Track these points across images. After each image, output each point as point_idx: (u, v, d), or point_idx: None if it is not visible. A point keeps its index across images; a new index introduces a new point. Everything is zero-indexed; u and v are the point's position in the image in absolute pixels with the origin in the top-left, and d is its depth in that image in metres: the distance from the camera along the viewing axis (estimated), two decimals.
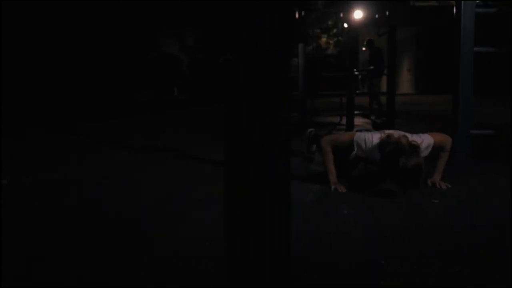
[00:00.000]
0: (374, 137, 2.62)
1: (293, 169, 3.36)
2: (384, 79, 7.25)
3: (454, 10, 3.30)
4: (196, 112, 10.14)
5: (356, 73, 9.56)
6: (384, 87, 8.52)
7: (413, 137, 2.55)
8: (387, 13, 7.04)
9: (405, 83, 23.63)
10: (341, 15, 18.73)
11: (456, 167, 3.24)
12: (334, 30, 19.70)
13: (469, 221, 2.11)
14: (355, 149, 2.68)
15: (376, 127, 5.35)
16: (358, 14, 18.84)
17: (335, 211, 2.29)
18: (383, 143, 2.48)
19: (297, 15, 7.04)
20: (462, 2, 3.22)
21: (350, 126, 6.25)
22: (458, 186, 2.74)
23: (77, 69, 13.23)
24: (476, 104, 3.36)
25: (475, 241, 1.83)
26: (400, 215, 2.20)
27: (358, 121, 6.94)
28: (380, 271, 1.54)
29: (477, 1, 3.49)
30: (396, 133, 2.53)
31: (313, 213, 2.26)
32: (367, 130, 3.22)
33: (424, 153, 2.57)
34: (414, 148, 2.38)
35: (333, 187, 2.65)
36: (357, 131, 3.07)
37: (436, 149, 2.74)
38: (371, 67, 9.59)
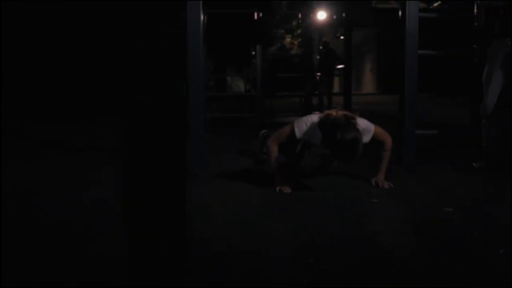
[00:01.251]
0: (314, 117, 2.72)
1: (245, 170, 3.43)
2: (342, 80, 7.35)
3: (400, 14, 3.40)
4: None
5: (318, 74, 9.72)
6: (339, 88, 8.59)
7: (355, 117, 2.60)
8: (343, 14, 7.17)
9: (368, 83, 24.07)
10: (300, 16, 18.87)
11: (402, 167, 3.35)
12: (298, 31, 19.85)
13: (402, 223, 2.18)
14: (297, 134, 2.73)
15: None
16: (321, 15, 19.07)
17: (274, 213, 2.31)
18: (322, 120, 2.55)
19: (256, 16, 7.07)
20: (407, 6, 3.32)
21: None
22: (400, 186, 2.82)
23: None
24: (441, 105, 3.46)
25: (405, 242, 1.90)
26: (337, 215, 2.24)
27: None
28: (308, 271, 1.57)
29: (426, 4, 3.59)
30: (335, 111, 2.58)
31: (251, 215, 2.27)
32: None
33: (364, 138, 2.63)
34: (350, 120, 2.45)
35: (277, 188, 2.69)
36: None
37: (377, 143, 2.82)
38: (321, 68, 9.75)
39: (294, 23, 19.74)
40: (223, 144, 4.90)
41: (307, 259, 1.66)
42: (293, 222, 2.14)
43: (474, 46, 3.62)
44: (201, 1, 3.24)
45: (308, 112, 6.65)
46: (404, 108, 3.37)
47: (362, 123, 2.71)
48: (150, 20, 0.90)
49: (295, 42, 19.83)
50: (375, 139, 2.78)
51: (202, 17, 3.28)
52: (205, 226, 2.12)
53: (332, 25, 16.27)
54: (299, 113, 7.21)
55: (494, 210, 2.27)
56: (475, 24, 3.54)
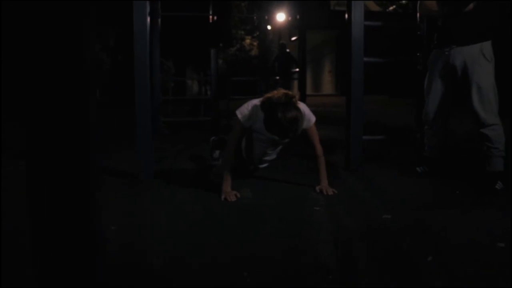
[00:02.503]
0: (255, 101, 2.75)
1: (193, 177, 3.40)
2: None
3: (346, 16, 3.45)
4: (113, 114, 9.87)
5: (277, 78, 9.75)
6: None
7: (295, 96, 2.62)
8: (297, 16, 7.20)
9: (327, 84, 24.42)
10: (255, 17, 18.92)
11: (349, 171, 3.40)
12: (257, 32, 19.94)
13: (340, 232, 2.20)
14: (240, 118, 2.74)
15: None
16: (281, 17, 19.19)
17: (213, 223, 2.29)
18: (263, 101, 2.58)
19: (211, 19, 7.03)
20: (352, 14, 3.38)
21: None
22: (345, 192, 2.86)
23: None
24: (394, 106, 3.51)
25: (340, 252, 1.93)
26: (278, 224, 2.24)
27: None
28: (239, 285, 1.57)
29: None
30: (276, 92, 2.59)
31: (188, 225, 2.25)
32: None
33: (304, 123, 2.70)
34: (291, 99, 2.48)
35: (223, 196, 2.68)
36: None
37: (310, 143, 2.86)
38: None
39: (255, 24, 19.83)
40: (175, 149, 4.86)
41: (240, 272, 1.65)
42: (229, 233, 2.12)
43: (418, 54, 3.72)
44: (147, 2, 3.18)
45: None
46: (351, 113, 3.42)
47: (305, 108, 2.76)
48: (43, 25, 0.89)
49: (255, 44, 19.93)
50: (309, 136, 2.81)
51: (148, 19, 3.21)
52: (136, 236, 2.09)
53: (289, 28, 16.41)
54: None
55: (429, 216, 2.32)
56: (418, 33, 3.64)
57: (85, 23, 0.95)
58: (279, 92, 2.53)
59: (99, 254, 1.03)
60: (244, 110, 2.75)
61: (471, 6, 2.80)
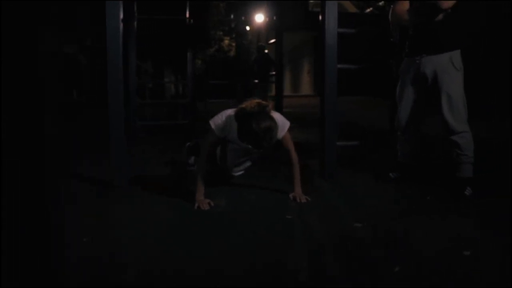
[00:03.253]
0: (228, 111, 2.72)
1: (169, 183, 3.38)
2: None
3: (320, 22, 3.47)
4: (90, 115, 9.77)
5: (256, 81, 9.71)
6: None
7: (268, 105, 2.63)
8: (274, 17, 7.21)
9: (305, 85, 24.55)
10: (232, 16, 18.93)
11: (323, 177, 3.43)
12: (234, 34, 19.94)
13: (311, 242, 2.22)
14: (214, 129, 2.73)
15: None
16: (259, 18, 19.21)
17: (185, 233, 2.29)
18: (237, 112, 2.57)
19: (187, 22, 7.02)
20: (326, 21, 3.40)
21: None
22: (318, 199, 2.88)
23: None
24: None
25: (309, 263, 1.95)
26: (249, 234, 2.25)
27: None
28: None
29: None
30: (249, 102, 2.59)
31: (158, 235, 2.25)
32: None
33: (279, 133, 2.68)
34: (264, 109, 2.49)
35: (196, 205, 2.68)
36: None
37: (285, 151, 2.88)
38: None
39: (232, 25, 19.82)
40: (152, 153, 4.83)
41: (211, 283, 1.66)
42: (200, 242, 2.13)
43: (391, 60, 3.77)
44: (120, 2, 3.13)
45: None
46: (325, 121, 3.45)
47: (279, 116, 2.77)
48: None
49: (233, 44, 19.92)
50: (283, 145, 2.83)
51: (121, 24, 3.17)
52: (106, 248, 2.08)
53: (268, 29, 16.44)
54: None
55: (399, 225, 2.36)
56: (391, 40, 3.69)
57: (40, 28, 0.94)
58: (252, 102, 2.53)
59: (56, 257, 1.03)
60: (218, 120, 2.74)
61: (440, 16, 2.86)
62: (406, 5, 3.04)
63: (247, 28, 19.88)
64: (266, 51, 10.25)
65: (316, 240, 2.19)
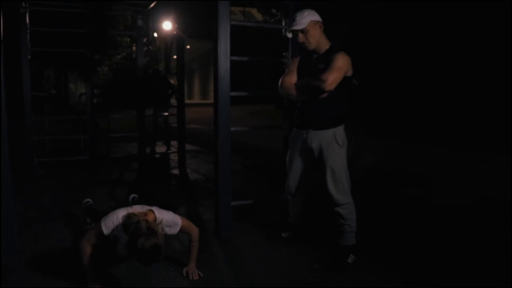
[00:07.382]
0: (120, 215, 2.65)
1: (62, 252, 3.18)
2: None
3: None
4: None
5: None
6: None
7: (159, 214, 2.66)
8: (175, 26, 7.02)
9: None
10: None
11: (219, 242, 3.47)
12: (144, 39, 19.48)
13: None
14: (104, 231, 2.65)
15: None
16: (167, 25, 18.89)
17: None
18: (125, 223, 2.53)
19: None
20: (219, 52, 3.43)
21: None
22: (210, 271, 2.94)
23: None
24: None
25: None
26: None
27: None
28: None
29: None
30: (138, 213, 2.58)
31: None
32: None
33: (171, 231, 2.74)
34: (152, 230, 2.46)
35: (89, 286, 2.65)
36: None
37: (186, 235, 2.91)
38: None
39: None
40: (46, 203, 4.55)
41: None
42: None
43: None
44: None
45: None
46: (218, 181, 3.49)
47: (168, 217, 2.75)
48: None
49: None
50: (182, 231, 2.84)
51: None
52: None
53: (176, 37, 16.16)
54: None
55: None
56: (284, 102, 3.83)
57: None
58: (140, 218, 2.49)
59: None
60: (110, 224, 2.64)
61: (325, 94, 2.99)
62: (294, 79, 3.15)
63: (155, 34, 19.50)
64: (161, 74, 9.70)
65: None
